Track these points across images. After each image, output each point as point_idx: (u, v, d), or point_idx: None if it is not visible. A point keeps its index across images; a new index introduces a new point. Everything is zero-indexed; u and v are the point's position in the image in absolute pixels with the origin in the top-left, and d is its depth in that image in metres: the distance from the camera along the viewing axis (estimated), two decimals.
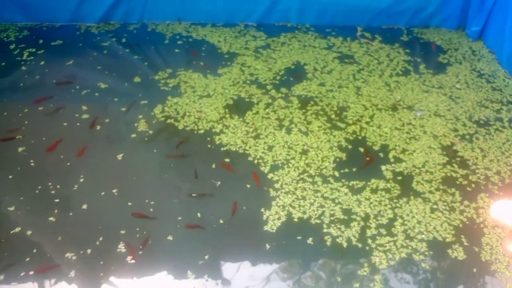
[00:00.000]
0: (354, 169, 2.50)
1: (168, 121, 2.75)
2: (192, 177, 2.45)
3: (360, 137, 2.68)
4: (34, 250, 2.10)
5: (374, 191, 2.39)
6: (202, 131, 2.69)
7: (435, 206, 2.33)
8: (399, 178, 2.47)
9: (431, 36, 3.55)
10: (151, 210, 2.28)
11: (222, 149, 2.58)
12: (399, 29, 3.60)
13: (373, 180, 2.44)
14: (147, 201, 2.31)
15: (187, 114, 2.80)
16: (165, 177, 2.45)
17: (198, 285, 2.00)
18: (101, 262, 2.06)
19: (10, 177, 2.40)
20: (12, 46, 3.24)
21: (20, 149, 2.55)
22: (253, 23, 3.57)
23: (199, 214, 2.27)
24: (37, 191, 2.33)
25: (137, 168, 2.49)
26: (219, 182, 2.41)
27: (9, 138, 2.59)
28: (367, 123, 2.77)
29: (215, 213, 2.27)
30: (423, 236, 2.21)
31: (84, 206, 2.27)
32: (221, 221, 2.24)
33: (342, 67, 3.19)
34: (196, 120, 2.76)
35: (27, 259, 2.06)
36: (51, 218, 2.23)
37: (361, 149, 2.61)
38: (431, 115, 2.85)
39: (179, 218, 2.24)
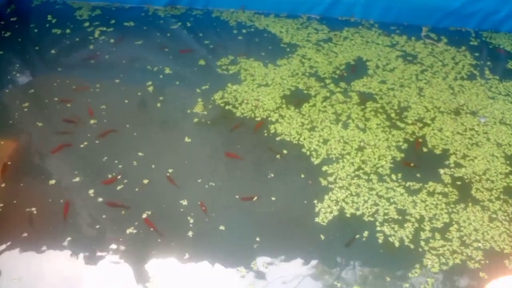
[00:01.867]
0: (411, 171, 2.46)
1: (227, 107, 2.82)
2: (246, 163, 2.51)
3: (420, 139, 2.63)
4: (104, 216, 2.24)
5: (430, 194, 2.35)
6: (258, 119, 2.74)
7: (494, 216, 2.26)
8: (458, 183, 2.41)
9: (501, 41, 3.40)
10: (208, 191, 2.36)
11: (276, 138, 2.62)
12: (467, 31, 3.47)
13: (430, 183, 2.40)
14: (199, 180, 2.39)
15: (245, 101, 2.85)
16: (221, 161, 2.52)
17: (248, 267, 2.07)
18: (158, 239, 2.18)
19: (82, 146, 2.57)
20: (86, 24, 3.41)
21: (92, 121, 2.71)
22: (316, 15, 3.56)
23: (249, 201, 2.33)
24: (101, 165, 2.48)
25: (193, 149, 2.58)
26: (272, 174, 2.45)
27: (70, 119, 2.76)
28: (428, 125, 2.72)
29: (266, 198, 2.33)
30: (480, 244, 2.15)
31: (145, 181, 2.39)
32: (273, 208, 2.29)
33: (404, 66, 3.12)
34: (253, 108, 2.81)
35: (97, 226, 2.21)
36: (119, 187, 2.36)
37: (425, 149, 2.57)
38: (496, 122, 2.75)
39: (231, 197, 2.32)
